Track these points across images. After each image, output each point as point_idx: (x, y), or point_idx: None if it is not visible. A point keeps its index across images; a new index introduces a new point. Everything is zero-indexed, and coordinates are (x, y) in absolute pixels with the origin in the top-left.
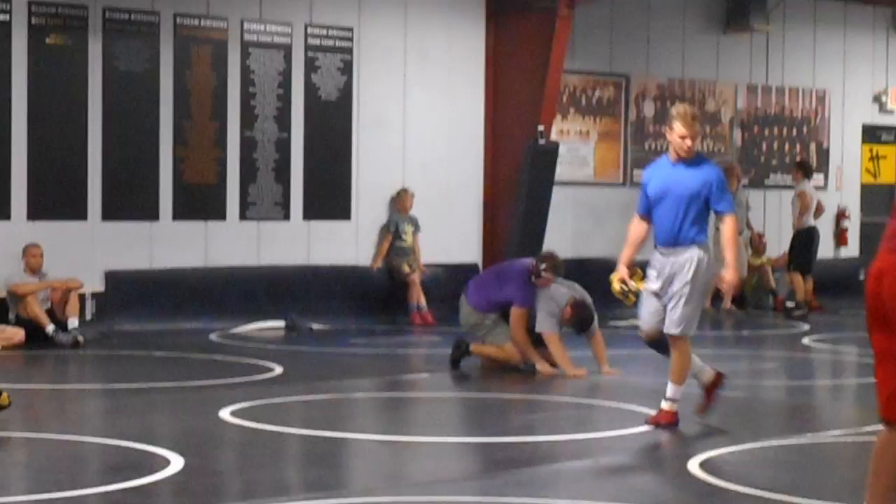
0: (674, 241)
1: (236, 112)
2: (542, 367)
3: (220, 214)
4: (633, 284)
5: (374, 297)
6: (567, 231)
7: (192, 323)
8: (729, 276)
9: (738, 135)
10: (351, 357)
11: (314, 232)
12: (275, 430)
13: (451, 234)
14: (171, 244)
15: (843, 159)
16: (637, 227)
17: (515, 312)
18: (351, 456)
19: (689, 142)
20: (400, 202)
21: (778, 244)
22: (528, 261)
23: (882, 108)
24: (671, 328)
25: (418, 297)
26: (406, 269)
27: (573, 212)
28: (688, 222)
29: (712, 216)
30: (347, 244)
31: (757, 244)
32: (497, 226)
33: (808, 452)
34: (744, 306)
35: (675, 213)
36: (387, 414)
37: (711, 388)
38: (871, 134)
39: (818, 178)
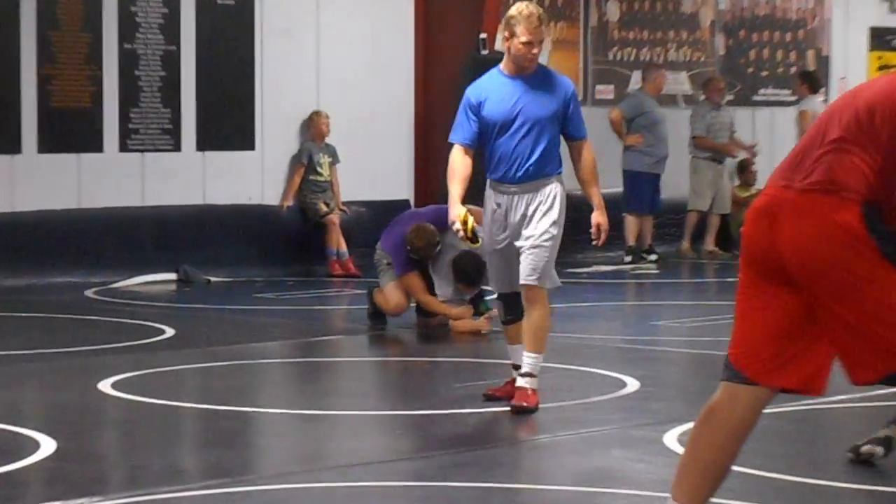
0: (530, 174)
1: (113, 20)
2: (456, 323)
3: (96, 145)
4: (471, 223)
5: (284, 243)
6: None
7: (64, 277)
8: (604, 219)
9: (720, 41)
10: (256, 315)
11: (211, 165)
12: (165, 405)
13: (376, 165)
14: (36, 182)
15: (848, 69)
16: (463, 160)
17: (403, 283)
18: (258, 434)
19: (535, 50)
20: (314, 128)
21: (769, 173)
22: (425, 212)
23: (893, 7)
24: (530, 276)
25: (338, 242)
26: (322, 208)
27: None
28: (548, 151)
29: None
30: (251, 179)
31: (745, 173)
32: (431, 154)
33: (802, 421)
34: (730, 247)
35: (533, 141)
36: (300, 384)
37: (510, 390)
38: (881, 38)
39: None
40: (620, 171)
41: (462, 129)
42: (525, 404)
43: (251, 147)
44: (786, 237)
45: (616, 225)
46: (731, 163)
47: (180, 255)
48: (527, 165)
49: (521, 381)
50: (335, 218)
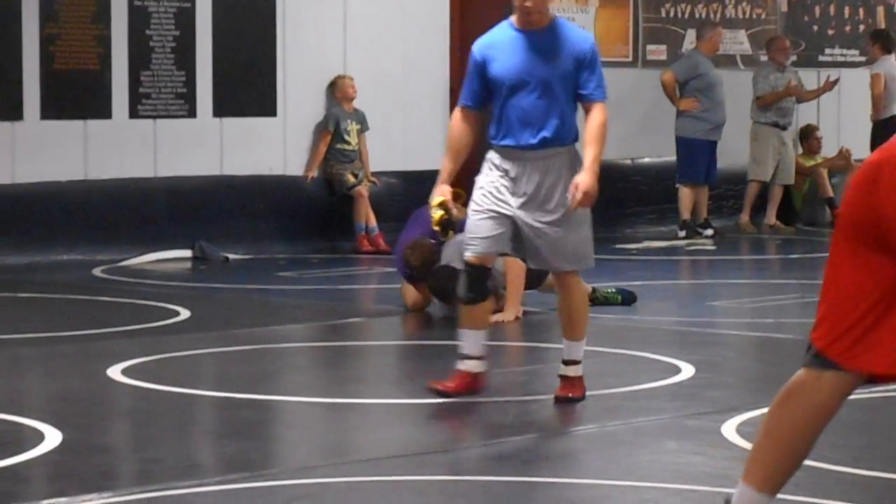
0: (546, 141)
1: None
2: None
3: (104, 112)
4: (455, 212)
5: (309, 217)
6: None
7: (70, 254)
8: (587, 179)
9: None
10: (278, 296)
11: (229, 132)
12: (180, 393)
13: (408, 132)
14: (39, 151)
15: None
16: (462, 127)
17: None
18: (280, 425)
19: (528, 3)
20: (340, 92)
21: (836, 140)
22: None
23: None
24: (576, 262)
25: (367, 216)
26: (350, 179)
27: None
28: (564, 116)
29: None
30: (272, 148)
31: (809, 140)
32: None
33: (875, 410)
34: (793, 221)
35: (547, 105)
36: (326, 370)
37: (466, 382)
38: None
39: None
40: (673, 139)
41: (465, 89)
42: (571, 395)
43: (272, 113)
44: (885, 198)
45: (669, 197)
46: (794, 129)
47: (196, 231)
48: (541, 133)
49: (565, 370)
50: (364, 190)
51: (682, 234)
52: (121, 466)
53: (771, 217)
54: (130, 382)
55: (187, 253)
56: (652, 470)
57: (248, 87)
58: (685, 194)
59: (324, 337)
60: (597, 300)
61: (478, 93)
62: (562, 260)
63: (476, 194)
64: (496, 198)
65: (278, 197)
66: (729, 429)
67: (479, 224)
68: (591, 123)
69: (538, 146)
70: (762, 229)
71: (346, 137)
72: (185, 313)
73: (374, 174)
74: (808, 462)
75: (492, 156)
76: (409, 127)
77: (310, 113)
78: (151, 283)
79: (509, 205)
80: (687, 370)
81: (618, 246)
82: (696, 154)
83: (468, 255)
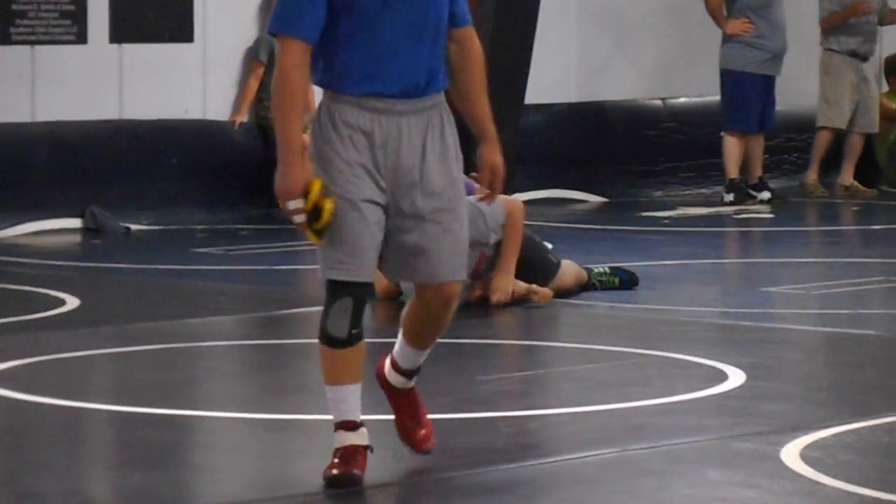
0: (420, 87)
1: None
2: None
3: None
4: (325, 208)
5: (236, 176)
6: (570, 55)
7: None
8: (498, 156)
9: None
10: (196, 279)
11: (130, 64)
12: (66, 407)
13: None
14: None
15: None
16: (303, 72)
17: None
18: (199, 449)
19: None
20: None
21: None
22: None
23: None
24: (458, 270)
25: None
26: None
27: (581, 23)
28: (438, 51)
29: None
30: (188, 84)
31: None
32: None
33: None
34: (875, 181)
35: (419, 35)
36: (259, 376)
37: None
38: None
39: None
40: (717, 72)
41: (299, 14)
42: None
43: (188, 38)
44: None
45: (713, 149)
46: (874, 61)
47: (87, 194)
48: (418, 73)
49: (408, 383)
50: (308, 138)
51: (730, 197)
52: None
53: (847, 176)
54: (1, 393)
55: (76, 223)
56: None
57: (157, 5)
58: (732, 145)
59: (257, 333)
60: (592, 286)
61: (318, 20)
62: (447, 265)
63: (337, 175)
64: (355, 185)
65: (196, 149)
66: (791, 454)
67: (348, 230)
68: (474, 62)
69: (414, 93)
70: (835, 191)
71: None
72: (72, 302)
73: None
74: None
75: (330, 110)
76: None
77: (237, 38)
78: (28, 261)
79: (381, 187)
80: (736, 377)
81: (644, 214)
82: (747, 92)
83: (346, 276)
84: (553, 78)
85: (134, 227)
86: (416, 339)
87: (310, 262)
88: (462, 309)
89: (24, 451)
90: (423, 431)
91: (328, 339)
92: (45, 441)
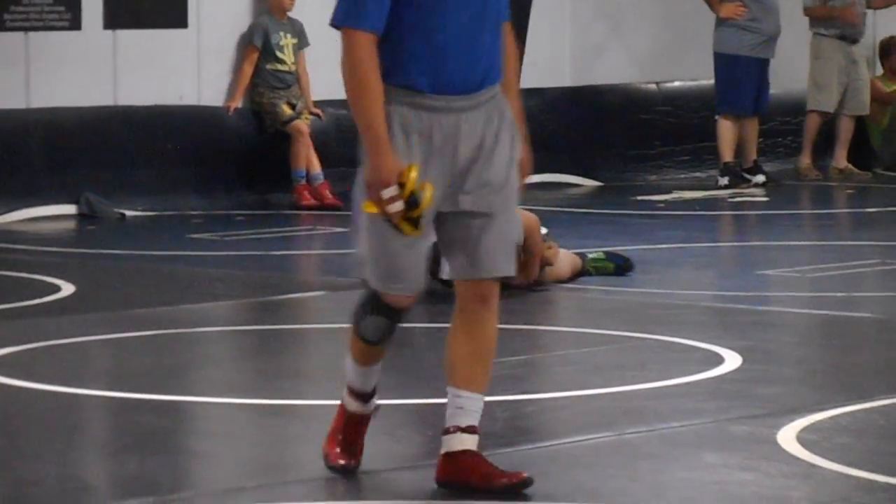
0: (478, 81)
1: None
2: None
3: None
4: (424, 195)
5: (231, 162)
6: (564, 39)
7: None
8: (527, 153)
9: None
10: (192, 265)
11: (125, 50)
12: (62, 393)
13: None
14: None
15: None
16: (373, 58)
17: None
18: (195, 435)
19: None
20: None
21: None
22: None
23: None
24: (508, 263)
25: (307, 160)
26: (286, 111)
27: (575, 7)
28: (497, 43)
29: None
30: (182, 70)
31: (890, 57)
32: None
33: None
34: (870, 164)
35: (481, 26)
36: (255, 361)
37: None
38: None
39: None
40: (712, 56)
41: (364, 4)
42: (507, 481)
43: (182, 24)
44: None
45: (707, 132)
46: (867, 44)
47: (81, 180)
48: (478, 66)
49: (467, 443)
50: (303, 125)
51: (725, 181)
52: None
53: (840, 159)
54: None
55: (71, 209)
56: (686, 491)
57: None
58: (727, 129)
59: (252, 319)
60: (586, 273)
61: (386, 9)
62: (497, 260)
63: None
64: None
65: (191, 135)
66: (787, 437)
67: (397, 241)
68: (511, 56)
69: (477, 86)
70: (829, 174)
71: (280, 55)
72: (68, 288)
73: (317, 104)
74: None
75: (391, 112)
76: None
77: (231, 23)
78: (23, 248)
79: (441, 190)
80: (731, 360)
81: (639, 198)
82: (741, 75)
83: (394, 294)
84: (547, 62)
85: (129, 212)
86: (468, 375)
87: (304, 248)
88: None
89: (20, 438)
90: (504, 480)
91: (361, 339)
92: (41, 427)
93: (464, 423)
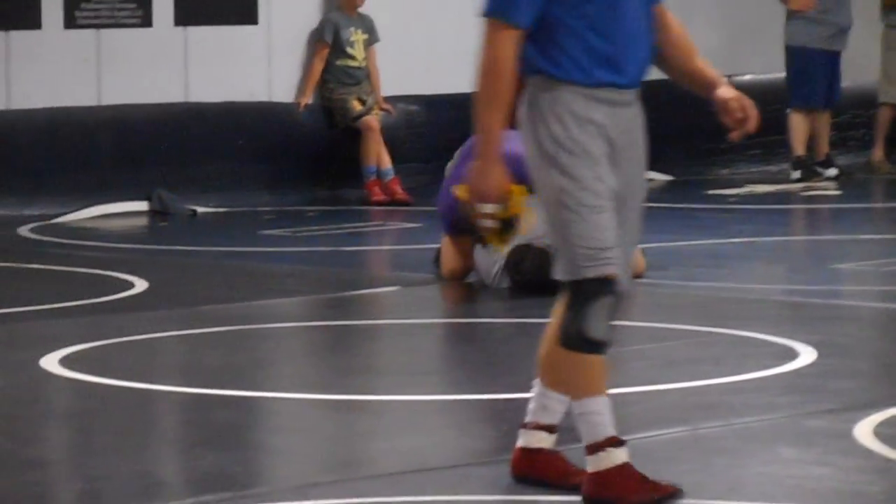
0: (641, 75)
1: None
2: None
3: (31, 20)
4: (523, 222)
5: (302, 158)
6: None
7: None
8: (731, 90)
9: None
10: (263, 261)
11: (195, 46)
12: (136, 389)
13: (431, 46)
14: None
15: None
16: (515, 58)
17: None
18: (269, 430)
19: None
20: None
21: None
22: None
23: None
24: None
25: (378, 155)
26: (356, 106)
27: None
28: (651, 35)
29: None
30: (253, 66)
31: None
32: None
33: None
34: None
35: (648, 20)
36: (328, 357)
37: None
38: None
39: None
40: (782, 49)
41: (520, 1)
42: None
43: (252, 20)
44: None
45: (779, 127)
46: None
47: (153, 176)
48: (646, 60)
49: (545, 441)
50: (374, 121)
51: (797, 175)
52: (59, 486)
53: (877, 153)
54: (70, 375)
55: (143, 205)
56: (763, 486)
57: None
58: (799, 122)
59: (324, 314)
60: None
61: (538, 5)
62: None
63: (584, 171)
64: (604, 182)
65: (261, 131)
66: (863, 431)
67: (604, 223)
68: (679, 29)
69: (640, 77)
70: (847, 170)
71: (350, 51)
72: (140, 285)
73: (388, 100)
74: None
75: (564, 100)
76: (433, 38)
77: (302, 20)
78: (96, 244)
79: (618, 182)
80: (806, 354)
81: (711, 192)
82: (812, 69)
83: (608, 270)
84: None
85: (200, 209)
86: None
87: (374, 243)
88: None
89: (94, 434)
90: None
91: (587, 343)
92: (115, 423)
93: (545, 422)
